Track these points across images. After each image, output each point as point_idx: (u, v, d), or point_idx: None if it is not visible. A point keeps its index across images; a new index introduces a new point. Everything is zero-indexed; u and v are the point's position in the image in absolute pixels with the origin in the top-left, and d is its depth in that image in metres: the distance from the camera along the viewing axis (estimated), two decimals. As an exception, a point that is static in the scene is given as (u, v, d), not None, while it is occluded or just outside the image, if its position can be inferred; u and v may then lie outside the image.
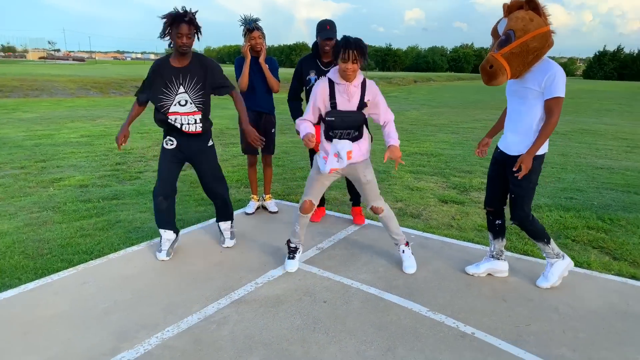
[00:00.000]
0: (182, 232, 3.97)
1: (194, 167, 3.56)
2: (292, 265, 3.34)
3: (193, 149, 3.45)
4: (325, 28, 3.87)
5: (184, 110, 3.31)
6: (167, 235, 3.53)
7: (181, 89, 3.26)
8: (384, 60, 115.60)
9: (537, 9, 2.72)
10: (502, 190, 3.14)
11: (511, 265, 3.47)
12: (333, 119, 2.97)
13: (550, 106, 2.77)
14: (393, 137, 3.06)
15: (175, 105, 3.28)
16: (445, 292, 3.06)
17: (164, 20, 3.14)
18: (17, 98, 17.11)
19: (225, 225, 3.78)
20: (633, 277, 3.34)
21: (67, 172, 6.21)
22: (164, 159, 3.44)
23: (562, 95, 2.75)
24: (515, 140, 2.94)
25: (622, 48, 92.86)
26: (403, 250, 3.41)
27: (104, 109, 14.68)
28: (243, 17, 4.17)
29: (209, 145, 3.53)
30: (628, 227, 4.38)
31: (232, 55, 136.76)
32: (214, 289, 3.04)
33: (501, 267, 3.30)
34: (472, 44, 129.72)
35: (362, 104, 3.01)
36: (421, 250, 3.74)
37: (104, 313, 2.72)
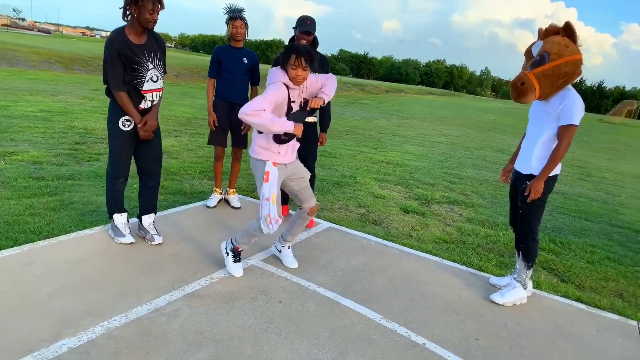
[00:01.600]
0: (133, 220, 3.85)
1: (138, 144, 3.38)
2: (240, 270, 3.17)
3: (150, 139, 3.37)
4: (306, 23, 3.88)
5: (155, 87, 3.27)
6: (124, 218, 3.45)
7: (150, 65, 3.20)
8: (359, 67, 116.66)
9: (573, 36, 2.87)
10: None
11: (466, 280, 3.55)
12: (293, 119, 2.94)
13: (562, 132, 2.91)
14: (325, 90, 3.01)
15: (148, 82, 3.22)
16: (400, 300, 3.09)
17: None
18: (-27, 63, 16.19)
19: (151, 219, 3.55)
20: (578, 300, 3.48)
21: (21, 146, 5.91)
22: (121, 141, 3.26)
23: (576, 123, 2.88)
24: (526, 160, 3.11)
25: (585, 80, 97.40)
26: (289, 247, 3.44)
27: (67, 85, 14.09)
28: (228, 5, 4.12)
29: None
30: (577, 251, 4.57)
31: (207, 45, 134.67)
32: (167, 280, 2.96)
33: (526, 294, 3.30)
34: (444, 60, 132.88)
35: (306, 103, 3.02)
36: (380, 257, 3.77)
37: (48, 297, 2.59)
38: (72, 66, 19.72)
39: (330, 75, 3.11)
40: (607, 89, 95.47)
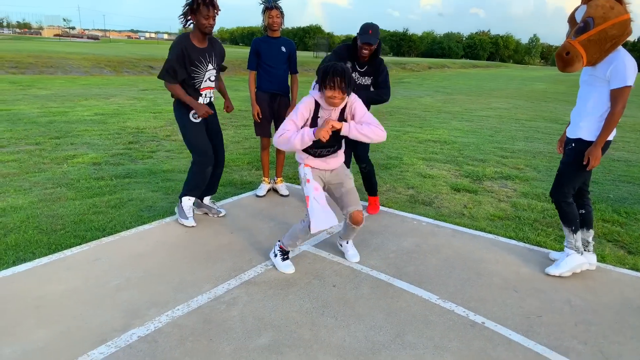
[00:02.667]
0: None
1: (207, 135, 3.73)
2: (292, 267, 3.10)
3: (211, 115, 3.71)
4: (367, 32, 3.66)
5: (211, 85, 3.65)
6: (191, 202, 3.76)
7: (210, 67, 3.54)
8: (399, 45, 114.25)
9: None
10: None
11: (523, 256, 3.44)
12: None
13: (615, 95, 2.79)
14: (358, 126, 2.83)
15: (206, 81, 3.57)
16: (455, 280, 3.04)
17: (189, 2, 3.32)
18: (32, 75, 17.20)
19: (208, 198, 3.99)
20: (648, 272, 3.29)
21: (81, 149, 6.25)
22: (198, 131, 3.61)
23: (630, 84, 2.74)
24: (577, 124, 3.00)
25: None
26: (347, 242, 3.29)
27: (118, 87, 14.71)
28: None
29: (215, 108, 3.84)
30: (644, 221, 4.31)
31: (246, 37, 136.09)
32: (224, 269, 3.06)
33: (590, 260, 3.21)
34: (488, 30, 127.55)
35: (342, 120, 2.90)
36: (432, 238, 3.72)
37: (116, 290, 2.75)
38: (120, 69, 20.55)
39: (380, 128, 2.87)
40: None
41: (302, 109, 2.86)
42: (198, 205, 3.95)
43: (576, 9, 2.87)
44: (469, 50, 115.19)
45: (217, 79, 3.72)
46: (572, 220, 3.09)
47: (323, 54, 37.29)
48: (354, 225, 3.03)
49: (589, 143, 2.92)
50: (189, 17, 3.37)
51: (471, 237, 3.77)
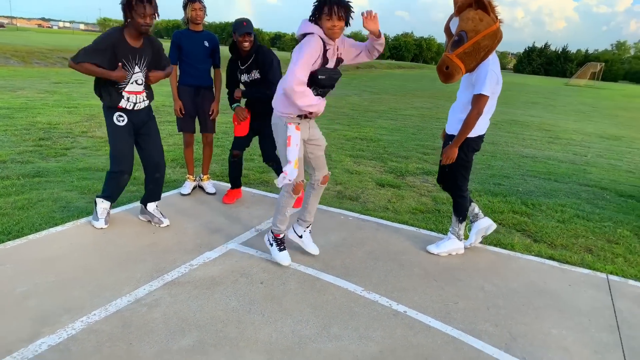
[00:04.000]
0: (112, 212, 3.78)
1: (139, 140, 3.50)
2: (288, 257, 3.13)
3: (141, 119, 3.45)
4: (242, 25, 3.77)
5: (138, 90, 3.36)
6: (106, 204, 3.53)
7: (137, 69, 3.28)
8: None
9: (486, 8, 2.87)
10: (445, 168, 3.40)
11: (442, 247, 3.63)
12: (325, 77, 2.79)
13: (473, 101, 3.04)
14: (378, 45, 2.93)
15: (132, 84, 3.30)
16: (379, 271, 3.14)
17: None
18: None
19: (153, 205, 3.69)
20: (550, 258, 3.60)
21: (-18, 146, 5.69)
22: (120, 137, 3.36)
23: (485, 93, 2.96)
24: (450, 121, 3.27)
25: (549, 45, 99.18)
26: (309, 230, 3.31)
27: (27, 79, 13.53)
28: None
29: (152, 114, 3.59)
30: (547, 212, 4.71)
31: (170, 30, 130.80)
32: (146, 270, 2.93)
33: (486, 224, 3.54)
34: (412, 32, 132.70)
35: (339, 62, 2.92)
36: (358, 231, 3.81)
37: (23, 297, 2.53)
38: (29, 60, 18.93)
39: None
40: (571, 52, 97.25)
41: (311, 54, 2.67)
42: (142, 211, 3.71)
43: (450, 19, 3.07)
44: (394, 51, 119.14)
45: (148, 87, 3.45)
46: (463, 212, 3.42)
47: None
48: (322, 184, 3.15)
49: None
50: (126, 14, 3.12)
51: (394, 230, 3.92)
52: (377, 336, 2.44)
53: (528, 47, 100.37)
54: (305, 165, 3.14)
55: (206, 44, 4.15)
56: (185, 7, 4.06)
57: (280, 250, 3.15)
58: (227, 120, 8.91)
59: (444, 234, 3.91)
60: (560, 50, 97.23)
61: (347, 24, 2.72)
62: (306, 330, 2.45)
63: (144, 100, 3.42)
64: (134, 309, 2.51)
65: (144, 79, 3.37)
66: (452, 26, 3.02)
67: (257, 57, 3.88)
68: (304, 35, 2.74)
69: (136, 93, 3.35)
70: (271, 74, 3.85)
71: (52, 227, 3.47)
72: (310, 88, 2.77)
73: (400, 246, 3.59)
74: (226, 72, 4.13)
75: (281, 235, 3.17)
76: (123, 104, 3.31)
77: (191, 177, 4.52)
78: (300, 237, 3.30)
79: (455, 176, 3.31)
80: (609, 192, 5.70)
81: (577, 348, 2.49)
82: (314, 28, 2.72)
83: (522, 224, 4.30)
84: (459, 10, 2.97)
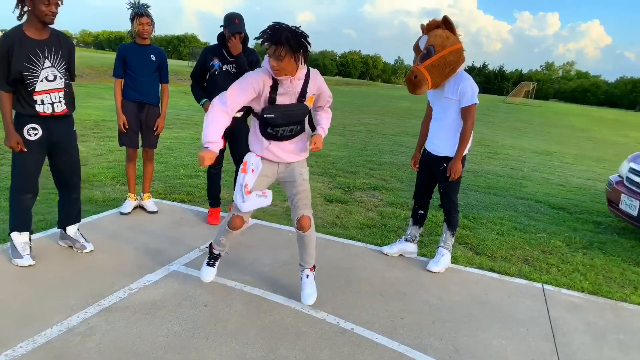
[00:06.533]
0: (41, 234, 3.55)
1: (53, 156, 3.16)
2: (210, 274, 2.94)
3: (60, 132, 3.10)
4: (234, 22, 3.72)
5: (52, 87, 2.97)
6: (24, 237, 3.13)
7: (47, 63, 2.92)
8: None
9: (452, 29, 3.21)
10: (428, 186, 3.65)
11: (388, 262, 3.68)
12: (273, 115, 2.57)
13: (465, 112, 3.26)
14: (322, 125, 2.87)
15: (42, 81, 2.92)
16: (327, 289, 3.13)
17: None
18: None
19: (75, 227, 3.40)
20: (491, 270, 3.74)
21: None
22: (28, 153, 2.98)
23: (475, 102, 3.23)
24: (440, 143, 3.42)
25: (487, 65, 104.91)
26: (307, 275, 2.98)
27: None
28: (133, 1, 3.88)
29: (74, 129, 3.26)
30: (488, 225, 4.91)
31: (113, 42, 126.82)
32: (80, 296, 2.75)
33: (411, 249, 3.79)
34: (359, 50, 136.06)
35: (303, 96, 2.65)
36: (306, 249, 3.79)
37: (-63, 331, 2.30)
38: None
39: (330, 95, 2.88)
40: (507, 72, 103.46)
41: (254, 83, 2.50)
42: (62, 236, 3.39)
43: (419, 39, 3.32)
44: (342, 68, 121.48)
45: (67, 79, 3.06)
46: (456, 225, 3.58)
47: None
48: (299, 230, 2.83)
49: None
50: (24, 5, 2.78)
51: (342, 246, 3.93)
52: (325, 356, 2.41)
53: (468, 66, 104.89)
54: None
55: (153, 58, 4.04)
56: (132, 20, 3.94)
57: (208, 264, 2.98)
58: (172, 136, 8.68)
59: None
60: (498, 69, 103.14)
61: (297, 60, 2.46)
62: (252, 352, 2.38)
63: (60, 101, 3.01)
64: (66, 339, 2.34)
65: (58, 75, 2.98)
66: (422, 44, 3.25)
67: (246, 54, 3.86)
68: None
69: (50, 91, 2.96)
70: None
71: (-26, 252, 3.20)
72: (268, 130, 2.64)
73: (348, 262, 3.60)
74: (197, 61, 4.01)
75: (216, 252, 2.97)
76: (39, 108, 2.93)
77: (132, 195, 4.34)
78: (301, 278, 3.03)
79: (451, 194, 3.48)
80: (543, 204, 6.03)
81: (515, 357, 2.58)
82: (265, 62, 2.55)
83: (464, 237, 4.45)
84: (427, 29, 3.25)
